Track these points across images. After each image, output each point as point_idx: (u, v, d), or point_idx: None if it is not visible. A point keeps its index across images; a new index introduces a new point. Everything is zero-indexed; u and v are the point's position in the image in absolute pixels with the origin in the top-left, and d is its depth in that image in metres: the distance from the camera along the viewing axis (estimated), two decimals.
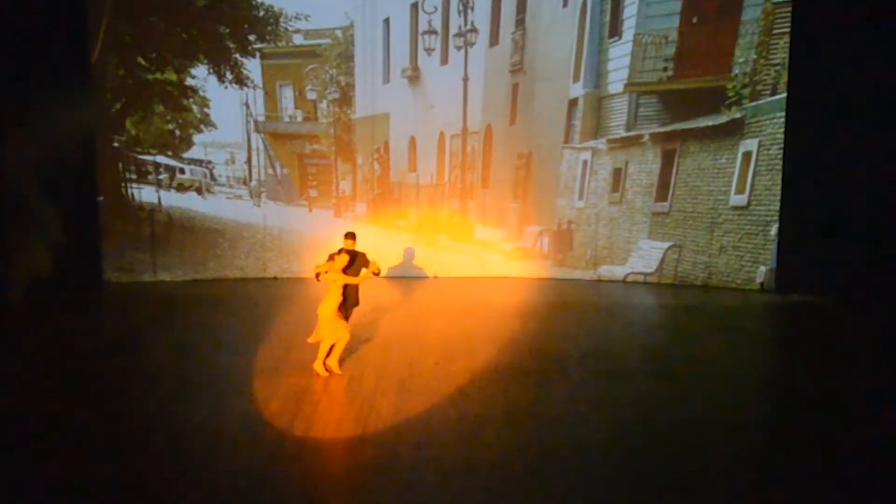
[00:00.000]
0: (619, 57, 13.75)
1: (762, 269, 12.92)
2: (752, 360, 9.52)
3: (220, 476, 6.02)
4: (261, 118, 14.45)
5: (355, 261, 8.53)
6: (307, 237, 14.45)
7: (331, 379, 8.11)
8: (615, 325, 10.96)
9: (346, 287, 8.30)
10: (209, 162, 14.40)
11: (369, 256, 8.69)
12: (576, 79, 14.17)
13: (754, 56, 12.70)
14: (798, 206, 12.41)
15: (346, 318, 8.46)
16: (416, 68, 14.71)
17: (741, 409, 7.55)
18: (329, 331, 8.11)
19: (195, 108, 14.15)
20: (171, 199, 14.15)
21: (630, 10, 13.55)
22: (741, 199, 12.98)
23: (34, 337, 9.95)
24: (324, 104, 14.53)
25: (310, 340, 8.30)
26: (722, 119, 12.99)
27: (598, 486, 5.88)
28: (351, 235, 8.73)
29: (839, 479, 6.04)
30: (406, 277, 14.05)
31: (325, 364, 8.19)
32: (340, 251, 8.35)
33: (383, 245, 14.25)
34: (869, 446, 6.61)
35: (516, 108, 14.54)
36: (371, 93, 14.53)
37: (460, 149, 14.68)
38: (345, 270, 8.24)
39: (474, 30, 14.34)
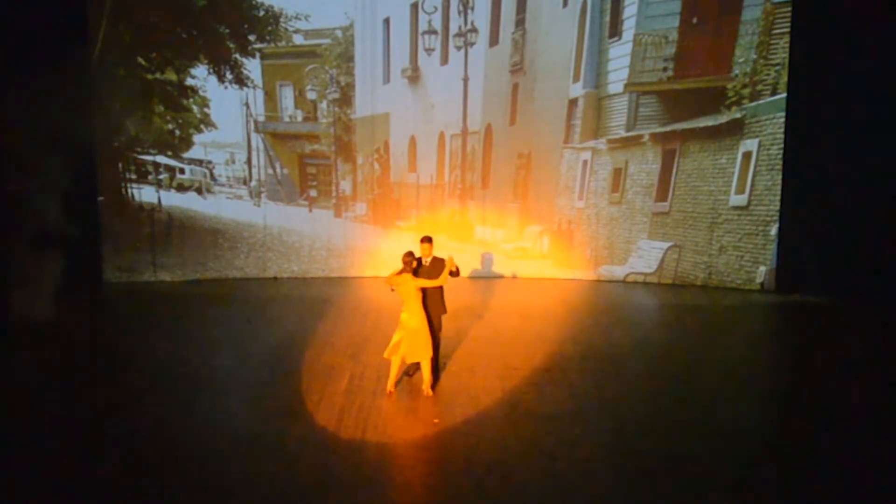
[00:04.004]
0: (619, 57, 13.75)
1: (762, 269, 12.92)
2: (752, 360, 9.52)
3: (220, 475, 6.03)
4: (261, 118, 14.45)
5: (436, 266, 7.84)
6: (307, 237, 14.47)
7: (331, 379, 8.11)
8: (615, 325, 10.96)
9: (425, 295, 7.71)
10: (209, 162, 14.40)
11: (449, 258, 7.84)
12: (576, 79, 14.17)
13: (754, 56, 12.70)
14: (798, 206, 12.41)
15: (438, 330, 7.93)
16: (416, 68, 14.71)
17: (741, 410, 7.55)
18: (424, 345, 7.59)
19: (195, 108, 14.16)
20: (171, 199, 14.16)
21: (630, 10, 13.55)
22: (741, 199, 12.98)
23: (34, 337, 9.94)
24: (324, 104, 14.53)
25: (386, 355, 7.77)
26: (722, 119, 12.99)
27: (598, 487, 5.88)
28: (428, 240, 7.98)
29: (840, 479, 6.04)
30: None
31: (430, 383, 7.69)
32: (412, 260, 7.70)
33: (383, 245, 14.30)
34: (869, 446, 6.61)
35: (516, 108, 14.54)
36: (371, 93, 14.53)
37: (460, 149, 14.68)
38: (421, 276, 7.66)
39: (474, 30, 14.34)
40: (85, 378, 8.38)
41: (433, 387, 7.74)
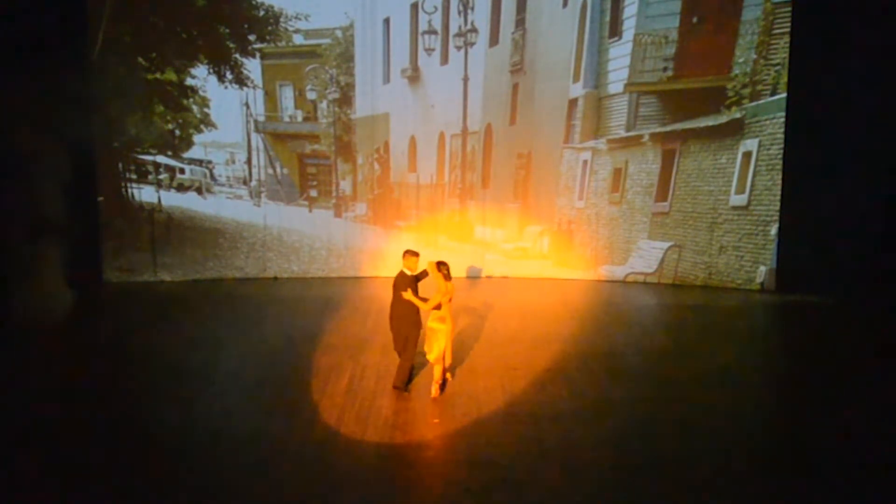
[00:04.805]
0: (619, 57, 13.75)
1: (762, 269, 12.92)
2: (752, 360, 9.52)
3: (220, 475, 6.03)
4: (261, 118, 14.45)
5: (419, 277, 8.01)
6: (307, 237, 14.46)
7: (331, 379, 8.11)
8: (615, 325, 10.96)
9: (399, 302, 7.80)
10: (209, 162, 14.40)
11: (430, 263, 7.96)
12: (576, 79, 14.17)
13: (754, 56, 12.70)
14: (798, 206, 12.42)
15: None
16: (416, 68, 14.71)
17: (741, 410, 7.56)
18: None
19: (195, 108, 14.15)
20: (171, 199, 14.15)
21: (630, 10, 13.55)
22: (741, 199, 12.98)
23: (34, 337, 9.94)
24: (324, 104, 14.53)
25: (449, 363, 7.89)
26: (722, 119, 12.99)
27: (598, 487, 5.89)
28: (415, 253, 8.01)
29: (839, 478, 6.04)
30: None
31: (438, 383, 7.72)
32: (410, 274, 7.85)
33: (383, 245, 14.30)
34: (868, 445, 6.61)
35: (516, 108, 14.54)
36: (371, 93, 14.53)
37: (460, 149, 14.68)
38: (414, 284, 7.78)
39: (474, 30, 14.34)
40: (85, 378, 8.38)
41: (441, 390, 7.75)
